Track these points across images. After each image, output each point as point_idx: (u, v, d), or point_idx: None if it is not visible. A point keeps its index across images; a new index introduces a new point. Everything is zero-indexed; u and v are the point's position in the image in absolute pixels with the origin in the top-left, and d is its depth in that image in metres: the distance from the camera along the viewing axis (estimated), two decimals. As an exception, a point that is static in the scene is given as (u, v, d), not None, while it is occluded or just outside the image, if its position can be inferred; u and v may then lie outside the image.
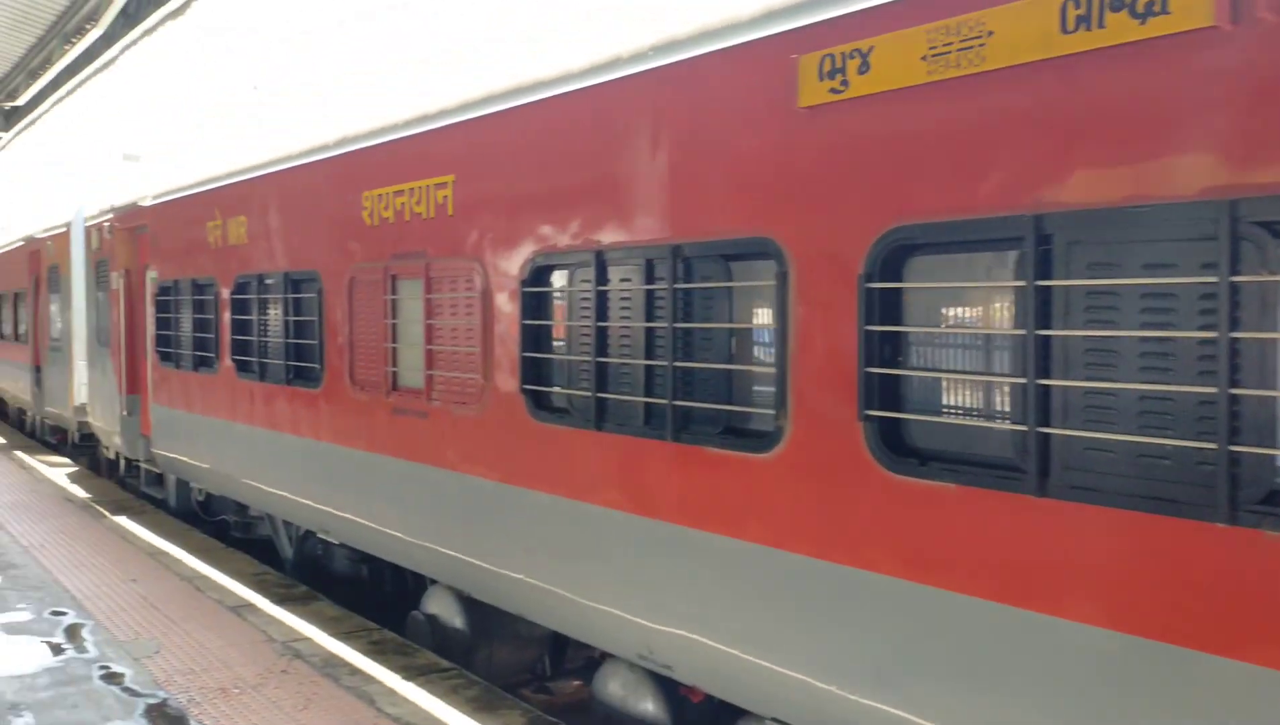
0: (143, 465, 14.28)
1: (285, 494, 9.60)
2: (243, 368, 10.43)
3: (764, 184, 4.86)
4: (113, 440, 15.43)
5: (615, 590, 5.76)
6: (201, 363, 11.40)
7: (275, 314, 9.80)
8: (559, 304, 6.44)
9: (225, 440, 10.81)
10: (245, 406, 10.33)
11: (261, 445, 10.01)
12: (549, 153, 6.29)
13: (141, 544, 10.80)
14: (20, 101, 18.95)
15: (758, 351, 5.26)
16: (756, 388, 5.18)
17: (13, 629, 7.80)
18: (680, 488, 5.33)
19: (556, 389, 6.36)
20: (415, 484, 7.62)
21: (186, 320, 11.74)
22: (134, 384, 14.15)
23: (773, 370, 4.81)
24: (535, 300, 6.42)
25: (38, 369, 20.12)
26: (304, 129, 9.52)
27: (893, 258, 4.28)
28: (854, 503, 4.43)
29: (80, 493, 14.33)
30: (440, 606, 7.88)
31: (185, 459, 12.05)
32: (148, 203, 12.80)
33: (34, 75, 17.97)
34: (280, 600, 8.71)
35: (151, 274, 12.76)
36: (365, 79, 9.18)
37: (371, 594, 9.61)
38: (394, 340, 7.87)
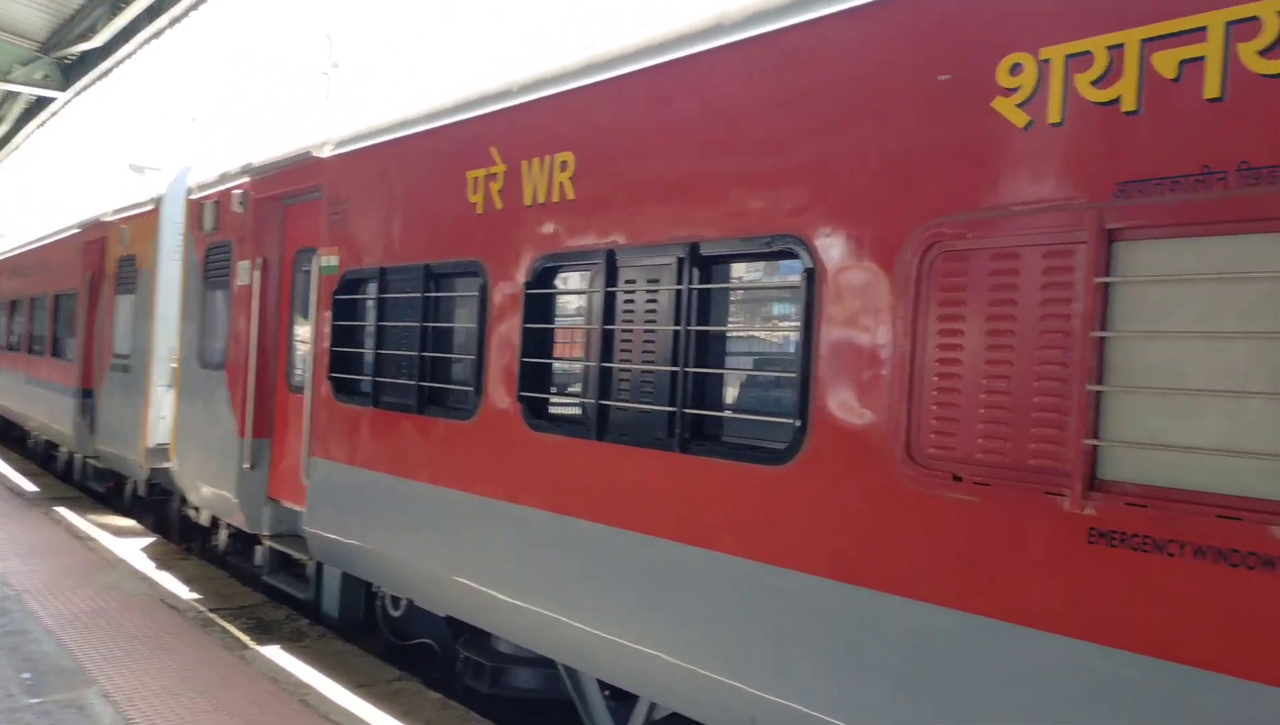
0: (265, 542, 9.80)
1: (642, 648, 5.20)
2: (540, 414, 6.06)
3: None
4: (202, 494, 10.94)
5: None
6: (434, 400, 7.01)
7: (642, 322, 5.45)
8: None
9: (484, 534, 6.40)
10: (546, 482, 5.92)
11: (585, 552, 5.61)
12: None
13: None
14: (95, 43, 14.51)
15: None
16: None
17: None
18: None
19: None
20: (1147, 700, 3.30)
21: (406, 333, 7.35)
22: (261, 424, 9.71)
23: None
24: None
25: (85, 393, 15.54)
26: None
27: None
28: None
29: (181, 589, 9.63)
30: None
31: (376, 550, 7.59)
32: (327, 153, 8.45)
33: (116, 8, 13.60)
34: None
35: (324, 261, 8.37)
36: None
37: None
38: (1098, 378, 3.54)
